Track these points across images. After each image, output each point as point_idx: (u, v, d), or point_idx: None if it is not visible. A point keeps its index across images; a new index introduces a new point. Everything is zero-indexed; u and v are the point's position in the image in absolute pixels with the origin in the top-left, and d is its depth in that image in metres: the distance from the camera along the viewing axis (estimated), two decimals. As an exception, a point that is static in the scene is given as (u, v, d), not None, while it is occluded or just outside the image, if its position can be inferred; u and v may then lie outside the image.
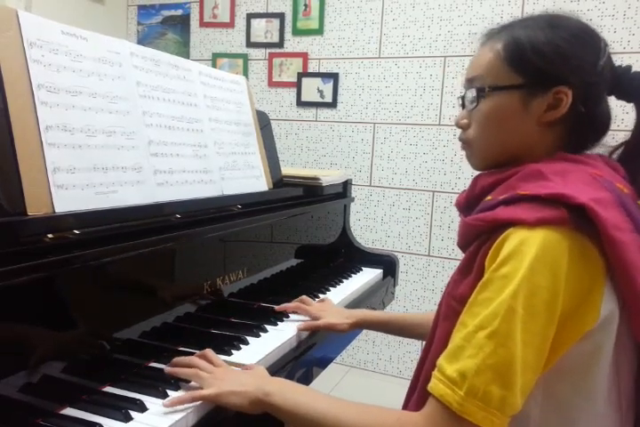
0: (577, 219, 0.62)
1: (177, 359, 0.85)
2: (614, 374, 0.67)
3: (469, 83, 0.78)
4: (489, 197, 0.73)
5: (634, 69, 0.76)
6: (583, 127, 0.74)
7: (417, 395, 0.73)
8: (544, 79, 0.72)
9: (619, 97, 0.78)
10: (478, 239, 0.70)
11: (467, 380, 0.60)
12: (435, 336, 0.74)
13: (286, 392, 0.74)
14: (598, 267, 0.63)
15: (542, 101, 0.72)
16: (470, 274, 0.69)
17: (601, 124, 0.76)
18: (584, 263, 0.63)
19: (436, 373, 0.65)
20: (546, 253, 0.61)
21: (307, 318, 1.14)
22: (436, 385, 0.63)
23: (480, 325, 0.62)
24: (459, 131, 0.82)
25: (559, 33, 0.72)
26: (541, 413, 0.66)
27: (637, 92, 0.76)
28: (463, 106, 0.81)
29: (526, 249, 0.62)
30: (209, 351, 0.86)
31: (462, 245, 0.77)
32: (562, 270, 0.61)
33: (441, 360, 0.65)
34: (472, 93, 0.77)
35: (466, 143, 0.81)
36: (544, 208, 0.63)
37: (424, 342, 0.81)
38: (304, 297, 1.21)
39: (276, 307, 1.15)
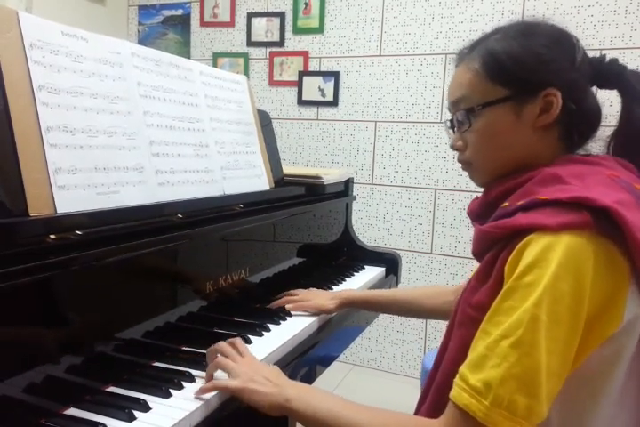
0: (600, 222, 0.61)
1: (211, 348, 0.87)
2: (636, 377, 0.66)
3: (455, 106, 0.78)
4: (506, 204, 0.71)
5: (608, 57, 0.76)
6: (578, 123, 0.74)
7: (430, 400, 0.73)
8: (530, 86, 0.72)
9: (601, 86, 0.78)
10: (496, 246, 0.69)
11: (492, 390, 0.59)
12: (449, 343, 0.73)
13: (306, 398, 0.74)
14: (623, 270, 0.62)
15: (534, 107, 0.72)
16: (488, 281, 0.68)
17: (593, 115, 0.76)
18: (609, 268, 0.61)
19: (458, 382, 0.63)
20: (570, 260, 0.60)
21: (307, 315, 1.14)
22: (459, 394, 0.62)
23: (504, 334, 0.61)
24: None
25: (533, 39, 0.72)
26: (560, 418, 0.65)
27: (617, 79, 0.76)
28: (453, 129, 0.80)
29: (551, 256, 0.60)
30: (238, 340, 0.88)
31: (478, 252, 0.75)
32: (587, 276, 0.60)
33: (463, 369, 0.64)
34: (461, 115, 0.76)
35: (466, 164, 0.80)
36: (566, 212, 0.62)
37: (425, 342, 0.81)
38: (290, 291, 1.25)
39: (270, 305, 1.19)
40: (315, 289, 1.29)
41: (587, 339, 0.62)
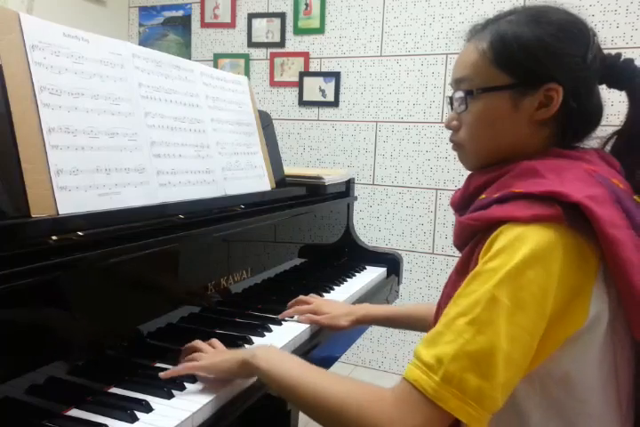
0: (572, 216, 0.61)
1: (186, 346, 0.90)
2: (613, 372, 0.66)
3: (457, 84, 0.77)
4: (483, 196, 0.72)
5: (624, 57, 0.75)
6: (576, 122, 0.73)
7: None
8: (533, 78, 0.70)
9: (610, 85, 0.77)
10: (474, 239, 0.69)
11: (443, 365, 0.59)
12: None
13: (271, 356, 0.76)
14: (591, 265, 0.63)
15: (533, 100, 0.71)
16: (467, 274, 0.68)
17: (593, 116, 0.75)
18: (578, 262, 0.62)
19: (413, 359, 0.64)
20: (539, 250, 0.60)
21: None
22: (410, 371, 0.62)
23: (461, 311, 0.61)
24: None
25: (546, 28, 0.70)
26: (541, 415, 0.66)
27: (628, 80, 0.75)
28: (452, 107, 0.79)
29: (519, 244, 0.61)
30: (214, 339, 0.92)
31: (458, 244, 0.76)
32: (555, 268, 0.60)
33: (418, 346, 0.64)
34: (460, 95, 0.75)
35: (457, 145, 0.79)
36: (538, 206, 0.63)
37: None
38: (300, 297, 1.18)
39: (279, 316, 1.11)
40: (330, 300, 1.20)
41: (552, 333, 0.62)
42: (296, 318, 1.10)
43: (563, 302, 0.61)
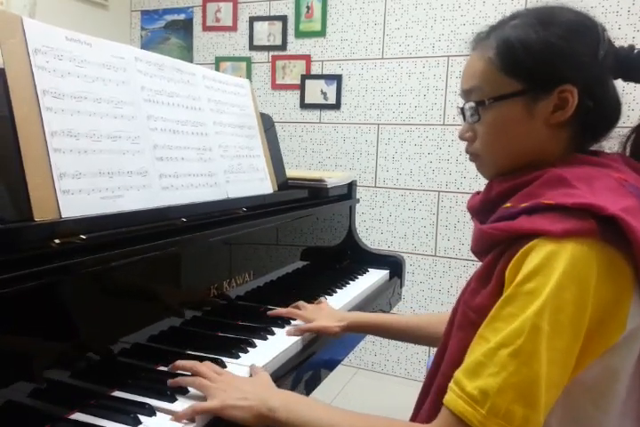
0: (605, 229, 0.59)
1: (179, 363, 0.83)
2: (637, 386, 0.65)
3: (467, 95, 0.75)
4: (508, 204, 0.69)
5: (638, 49, 0.72)
6: (595, 120, 0.71)
7: (429, 405, 0.71)
8: (545, 82, 0.68)
9: (625, 79, 0.74)
10: (496, 248, 0.67)
11: (489, 398, 0.58)
12: (447, 345, 0.72)
13: (290, 407, 0.72)
14: (627, 279, 0.60)
15: (547, 104, 0.69)
16: (489, 284, 0.66)
17: (612, 112, 0.72)
18: (612, 276, 0.60)
19: (454, 387, 0.62)
20: (574, 268, 0.58)
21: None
22: (454, 401, 0.61)
23: (503, 342, 0.59)
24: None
25: (552, 29, 0.68)
26: (560, 425, 0.65)
27: None
28: (464, 117, 0.77)
29: (554, 264, 0.59)
30: (208, 363, 0.84)
31: (477, 251, 0.74)
32: (590, 285, 0.58)
33: (459, 375, 0.62)
34: (471, 106, 0.73)
35: (474, 155, 0.77)
36: (571, 219, 0.60)
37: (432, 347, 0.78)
38: (299, 302, 1.16)
39: (269, 313, 1.11)
40: (324, 304, 1.19)
41: (587, 347, 0.60)
42: (286, 329, 1.07)
43: (598, 317, 0.60)
